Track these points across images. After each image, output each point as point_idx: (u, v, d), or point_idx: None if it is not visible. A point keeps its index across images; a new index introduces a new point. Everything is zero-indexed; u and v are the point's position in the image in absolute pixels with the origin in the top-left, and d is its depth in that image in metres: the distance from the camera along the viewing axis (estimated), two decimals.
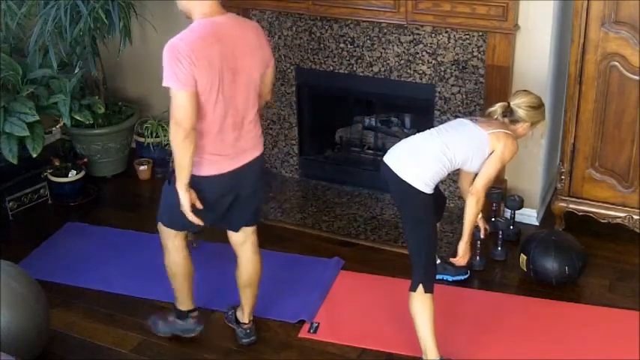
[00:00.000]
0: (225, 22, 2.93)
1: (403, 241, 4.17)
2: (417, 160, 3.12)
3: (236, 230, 3.28)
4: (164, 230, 3.27)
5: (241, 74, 2.93)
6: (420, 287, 3.11)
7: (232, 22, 2.96)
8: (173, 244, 3.28)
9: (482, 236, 3.75)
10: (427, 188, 3.09)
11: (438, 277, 3.70)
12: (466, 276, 3.85)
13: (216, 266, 4.00)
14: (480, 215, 3.57)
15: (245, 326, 3.47)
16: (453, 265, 3.82)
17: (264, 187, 3.27)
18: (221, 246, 4.12)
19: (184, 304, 3.42)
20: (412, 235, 3.19)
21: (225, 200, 3.12)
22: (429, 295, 3.12)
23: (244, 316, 3.46)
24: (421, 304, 3.13)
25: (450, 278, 3.82)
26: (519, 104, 3.25)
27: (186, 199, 2.94)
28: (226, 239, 3.37)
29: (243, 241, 3.30)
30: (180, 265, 3.32)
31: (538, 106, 3.29)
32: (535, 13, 3.89)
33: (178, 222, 3.15)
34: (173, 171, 2.99)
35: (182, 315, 3.45)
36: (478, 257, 3.95)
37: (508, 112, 3.25)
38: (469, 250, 3.31)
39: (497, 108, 3.26)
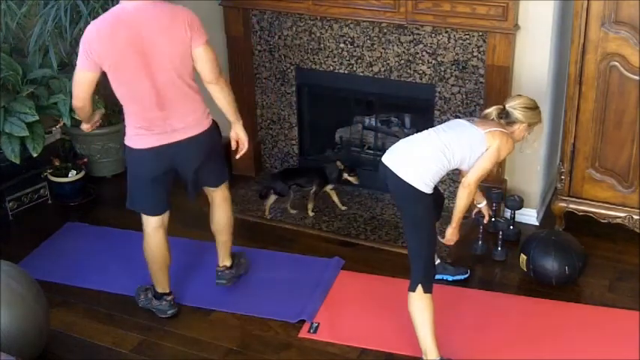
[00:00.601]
0: (136, 7, 3.09)
1: (403, 241, 4.17)
2: (417, 160, 3.13)
3: (196, 192, 3.57)
4: (142, 217, 3.51)
5: (155, 56, 3.10)
6: (420, 287, 3.11)
7: (144, 7, 3.10)
8: (146, 230, 3.52)
9: (485, 222, 3.77)
10: (427, 188, 3.09)
11: (438, 277, 3.71)
12: (466, 276, 3.85)
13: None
14: (484, 203, 3.64)
15: (219, 269, 3.79)
16: (452, 265, 3.83)
17: (219, 156, 3.54)
18: (233, 249, 4.12)
19: (159, 286, 3.66)
20: (412, 236, 3.19)
21: (168, 176, 3.40)
22: (428, 295, 3.12)
23: (222, 258, 3.77)
24: (420, 305, 3.13)
25: (450, 278, 3.82)
26: (514, 106, 3.27)
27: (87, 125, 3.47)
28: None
29: (213, 199, 3.66)
30: (153, 251, 3.55)
31: (534, 107, 3.31)
32: (535, 13, 3.89)
33: (137, 202, 3.46)
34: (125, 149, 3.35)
35: (157, 296, 3.68)
36: (480, 242, 3.97)
37: (504, 114, 3.27)
38: (457, 234, 3.39)
39: (493, 110, 3.28)
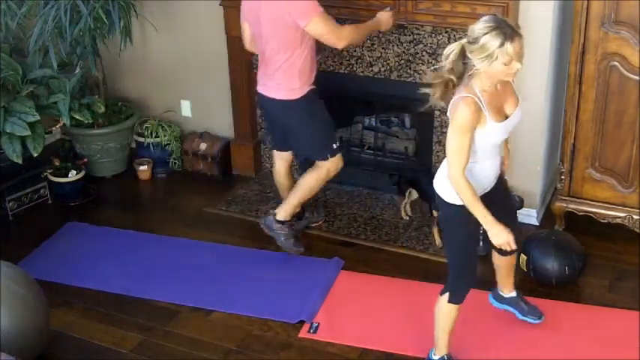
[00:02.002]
0: None
1: (403, 241, 4.18)
2: (441, 168, 2.99)
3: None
4: None
5: (265, 28, 3.67)
6: (446, 295, 3.05)
7: None
8: (273, 158, 4.23)
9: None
10: (451, 198, 2.91)
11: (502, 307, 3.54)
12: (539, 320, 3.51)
13: (219, 267, 4.01)
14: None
15: (271, 210, 4.14)
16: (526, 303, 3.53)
17: (297, 133, 3.93)
18: (233, 249, 4.14)
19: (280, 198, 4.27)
20: (445, 242, 3.08)
21: (267, 117, 4.12)
22: (452, 305, 3.06)
23: (280, 206, 4.09)
24: (443, 310, 3.09)
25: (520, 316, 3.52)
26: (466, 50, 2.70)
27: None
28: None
29: (281, 159, 4.15)
30: (274, 175, 4.24)
31: (477, 38, 2.64)
32: (535, 13, 3.88)
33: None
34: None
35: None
36: (481, 242, 3.97)
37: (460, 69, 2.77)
38: (502, 234, 2.82)
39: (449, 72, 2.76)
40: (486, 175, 2.97)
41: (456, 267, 3.05)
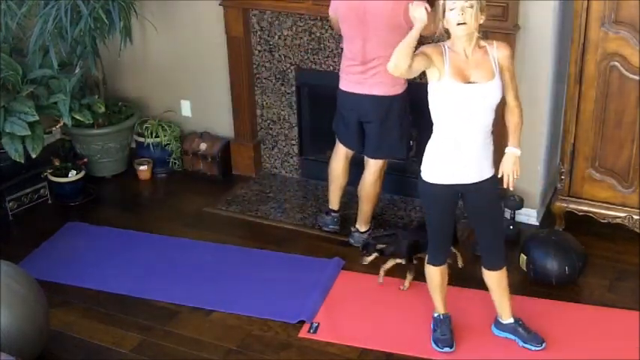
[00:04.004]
0: None
1: None
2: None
3: (364, 155, 4.08)
4: (337, 140, 4.18)
5: (371, 29, 3.71)
6: (427, 257, 3.39)
7: None
8: (334, 152, 4.17)
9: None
10: (424, 174, 3.24)
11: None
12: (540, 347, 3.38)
13: (219, 267, 4.01)
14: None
15: (352, 229, 4.20)
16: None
17: (388, 130, 3.92)
18: (233, 249, 4.14)
19: (330, 203, 4.28)
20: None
21: (352, 119, 3.97)
22: (429, 265, 3.36)
23: (357, 220, 4.19)
24: (426, 271, 3.40)
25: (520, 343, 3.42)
26: None
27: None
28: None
29: (365, 164, 4.06)
30: (332, 170, 4.19)
31: None
32: (535, 13, 3.88)
33: (336, 126, 4.12)
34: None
35: (326, 211, 4.31)
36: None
37: None
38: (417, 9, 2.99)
39: None
40: (452, 160, 3.13)
41: (428, 232, 3.35)
